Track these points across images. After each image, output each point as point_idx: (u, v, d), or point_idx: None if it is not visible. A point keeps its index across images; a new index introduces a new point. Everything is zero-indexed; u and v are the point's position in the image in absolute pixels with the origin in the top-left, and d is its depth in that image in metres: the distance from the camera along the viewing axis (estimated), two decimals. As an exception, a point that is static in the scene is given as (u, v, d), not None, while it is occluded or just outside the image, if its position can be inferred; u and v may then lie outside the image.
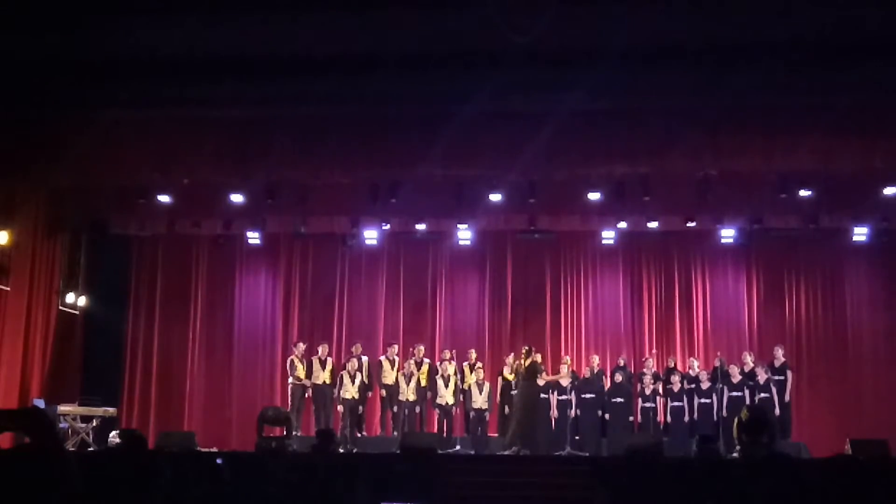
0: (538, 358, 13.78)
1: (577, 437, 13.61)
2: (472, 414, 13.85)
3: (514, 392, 13.57)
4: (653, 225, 15.01)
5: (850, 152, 12.06)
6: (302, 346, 14.48)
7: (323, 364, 14.18)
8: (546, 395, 13.68)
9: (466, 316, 16.30)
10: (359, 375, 13.99)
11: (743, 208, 14.57)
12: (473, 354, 14.49)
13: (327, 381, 14.04)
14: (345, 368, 14.05)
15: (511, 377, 13.88)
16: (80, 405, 13.93)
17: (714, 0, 10.16)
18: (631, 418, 13.88)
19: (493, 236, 15.98)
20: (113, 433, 13.14)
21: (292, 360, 14.32)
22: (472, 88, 10.99)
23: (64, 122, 12.30)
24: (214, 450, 12.75)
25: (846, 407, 14.99)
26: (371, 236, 15.45)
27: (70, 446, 12.97)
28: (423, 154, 12.14)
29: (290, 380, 14.22)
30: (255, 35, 10.71)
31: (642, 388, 13.96)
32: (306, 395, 14.22)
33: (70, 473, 2.03)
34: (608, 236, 15.43)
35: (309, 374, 14.19)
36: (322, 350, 14.38)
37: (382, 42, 10.77)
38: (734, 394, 13.37)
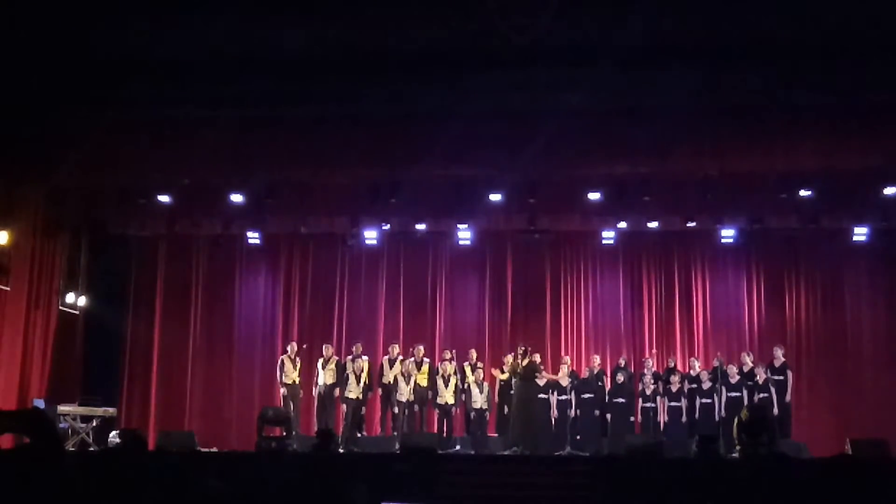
0: (536, 358, 13.76)
1: (577, 437, 13.61)
2: (472, 414, 13.83)
3: (511, 392, 13.55)
4: (653, 225, 15.00)
5: (850, 152, 12.06)
6: (294, 346, 14.45)
7: (325, 364, 14.15)
8: (545, 395, 13.67)
9: (466, 316, 16.28)
10: (361, 375, 13.96)
11: (743, 208, 14.55)
12: (474, 354, 14.46)
13: (329, 382, 14.00)
14: (349, 368, 13.99)
15: (505, 377, 13.86)
16: (80, 405, 13.90)
17: (714, 0, 10.18)
18: (632, 418, 13.87)
19: (493, 236, 15.96)
20: (113, 433, 13.13)
21: (282, 361, 14.30)
22: (472, 88, 11.01)
23: (64, 122, 12.30)
24: (214, 450, 12.76)
25: (846, 407, 14.96)
26: (371, 236, 15.43)
27: (70, 446, 12.96)
28: (423, 154, 12.14)
29: (282, 379, 14.15)
30: (255, 35, 10.74)
31: (643, 389, 13.95)
32: (301, 395, 14.18)
33: (69, 474, 2.03)
34: (608, 236, 15.41)
35: (307, 374, 14.16)
36: (325, 351, 14.34)
37: (383, 42, 10.79)
38: (733, 394, 13.33)
